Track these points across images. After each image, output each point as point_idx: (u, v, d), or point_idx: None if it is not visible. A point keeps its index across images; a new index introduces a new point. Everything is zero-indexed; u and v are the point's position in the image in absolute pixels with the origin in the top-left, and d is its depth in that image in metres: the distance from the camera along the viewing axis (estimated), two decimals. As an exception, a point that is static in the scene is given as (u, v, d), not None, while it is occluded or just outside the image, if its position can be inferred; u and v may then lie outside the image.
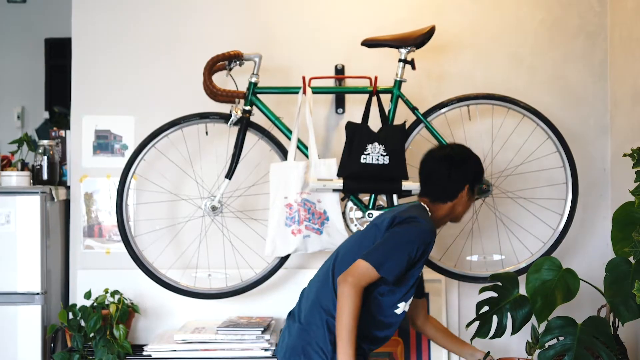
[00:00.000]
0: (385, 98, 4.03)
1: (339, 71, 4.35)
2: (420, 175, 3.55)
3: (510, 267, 4.09)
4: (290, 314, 3.41)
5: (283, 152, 4.03)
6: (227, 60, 3.94)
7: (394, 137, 3.89)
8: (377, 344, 3.33)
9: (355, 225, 3.99)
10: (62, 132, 4.49)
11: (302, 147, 4.00)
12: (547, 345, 3.33)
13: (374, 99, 4.04)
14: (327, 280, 3.28)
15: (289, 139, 4.00)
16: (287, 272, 4.27)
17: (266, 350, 3.91)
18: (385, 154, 3.86)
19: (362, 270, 3.12)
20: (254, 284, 4.09)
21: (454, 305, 4.33)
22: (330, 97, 4.37)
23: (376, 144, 3.87)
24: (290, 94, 4.09)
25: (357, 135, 3.90)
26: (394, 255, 3.15)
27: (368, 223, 3.52)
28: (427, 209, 3.42)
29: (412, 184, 3.89)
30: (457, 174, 3.45)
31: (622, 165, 4.11)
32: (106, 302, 4.11)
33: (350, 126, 3.96)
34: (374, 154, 3.86)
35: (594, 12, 4.43)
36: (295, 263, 4.29)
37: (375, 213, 3.93)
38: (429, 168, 3.52)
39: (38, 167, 4.34)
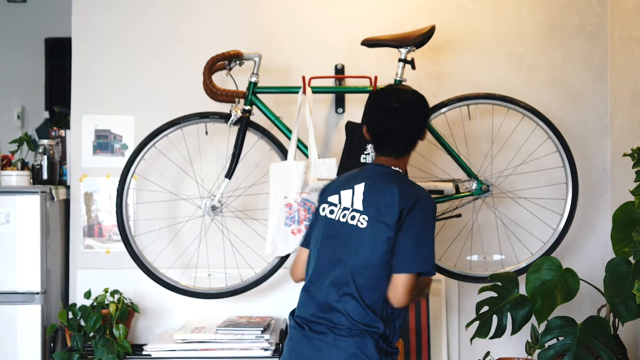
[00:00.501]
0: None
1: (339, 71, 4.35)
2: (374, 135, 3.24)
3: (510, 267, 4.09)
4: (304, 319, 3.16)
5: (283, 152, 4.03)
6: (227, 60, 3.95)
7: None
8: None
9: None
10: (62, 132, 4.49)
11: (302, 147, 4.00)
12: (547, 345, 3.34)
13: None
14: (347, 293, 3.06)
15: (289, 138, 4.00)
16: (286, 272, 4.24)
17: (266, 349, 3.91)
18: None
19: (409, 282, 3.02)
20: (253, 284, 4.09)
21: (453, 305, 4.33)
22: (330, 97, 4.37)
23: None
24: (290, 93, 4.09)
25: (357, 135, 3.88)
26: (432, 248, 3.08)
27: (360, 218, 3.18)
28: (391, 166, 3.20)
29: None
30: (420, 121, 3.24)
31: (622, 165, 4.11)
32: (106, 302, 4.11)
33: (350, 126, 3.95)
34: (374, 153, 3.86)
35: (594, 12, 4.43)
36: (291, 262, 4.28)
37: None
38: (384, 127, 3.20)
39: (38, 166, 4.34)
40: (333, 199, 3.19)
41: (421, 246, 3.04)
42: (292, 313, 3.22)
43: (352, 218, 3.11)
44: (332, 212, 3.18)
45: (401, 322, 3.11)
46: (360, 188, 3.14)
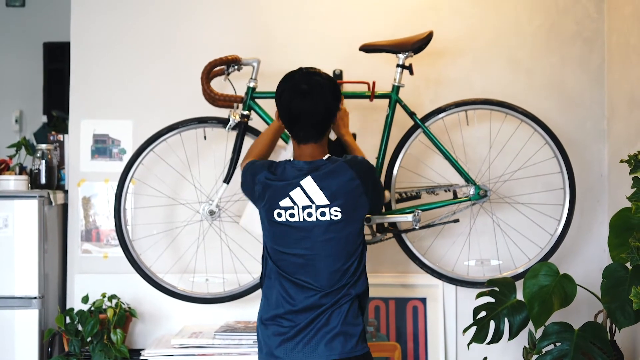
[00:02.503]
0: (384, 103, 4.03)
1: (337, 76, 4.36)
2: (289, 120, 3.26)
3: (508, 272, 4.10)
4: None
5: (281, 157, 4.03)
6: (225, 65, 3.95)
7: None
8: None
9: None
10: (60, 136, 4.50)
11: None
12: (544, 350, 3.34)
13: (372, 103, 4.06)
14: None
15: (287, 142, 4.00)
16: (284, 276, 4.27)
17: (263, 354, 3.91)
18: None
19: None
20: (251, 289, 4.09)
21: (451, 310, 4.33)
22: (328, 102, 4.37)
23: None
24: (288, 98, 4.09)
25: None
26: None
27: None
28: (319, 157, 3.25)
29: None
30: (330, 102, 3.25)
31: (619, 171, 4.11)
32: (103, 307, 4.12)
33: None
34: None
35: (591, 18, 4.44)
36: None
37: (373, 217, 3.92)
38: (298, 111, 3.22)
39: (36, 171, 4.34)
40: (285, 202, 3.18)
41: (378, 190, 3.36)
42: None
43: (322, 214, 3.15)
44: (293, 215, 3.18)
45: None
46: (310, 183, 3.16)
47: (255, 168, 3.31)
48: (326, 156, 3.26)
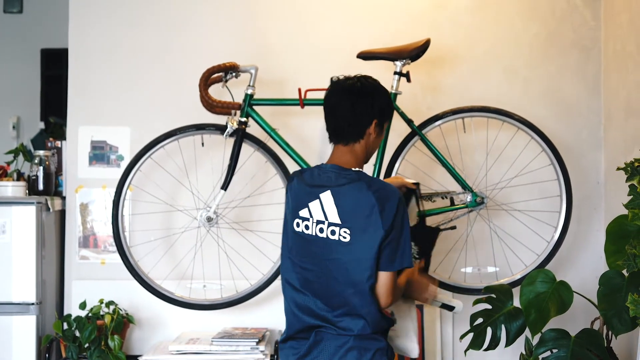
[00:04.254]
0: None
1: (335, 83, 4.36)
2: (325, 112, 3.25)
3: (505, 279, 4.11)
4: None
5: (279, 164, 4.04)
6: (223, 72, 3.96)
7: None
8: None
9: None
10: (58, 143, 4.50)
11: (300, 160, 4.01)
12: (540, 357, 3.34)
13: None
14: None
15: (285, 150, 4.02)
16: (280, 283, 4.26)
17: (261, 361, 3.93)
18: None
19: (392, 278, 3.04)
20: (249, 295, 4.09)
21: (447, 316, 4.34)
22: (326, 109, 4.38)
23: None
24: (286, 105, 4.11)
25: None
26: (409, 242, 3.06)
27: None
28: (350, 168, 3.12)
29: None
30: (363, 108, 3.15)
31: (615, 179, 4.13)
32: (101, 313, 4.12)
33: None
34: None
35: (588, 27, 4.46)
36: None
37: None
38: (334, 103, 3.21)
39: (34, 177, 4.35)
40: (304, 212, 3.11)
41: (402, 244, 3.02)
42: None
43: (332, 232, 3.05)
44: (307, 227, 3.11)
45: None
46: (328, 198, 3.06)
47: (290, 177, 3.27)
48: (356, 169, 3.13)
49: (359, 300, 3.01)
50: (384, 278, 3.02)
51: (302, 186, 3.13)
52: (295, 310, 3.11)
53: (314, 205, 3.08)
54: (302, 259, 3.11)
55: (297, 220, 3.12)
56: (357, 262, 3.00)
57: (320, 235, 3.06)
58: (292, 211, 3.14)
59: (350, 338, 3.01)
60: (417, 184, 3.41)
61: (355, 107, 3.13)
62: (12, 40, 7.13)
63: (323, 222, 3.06)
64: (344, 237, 3.01)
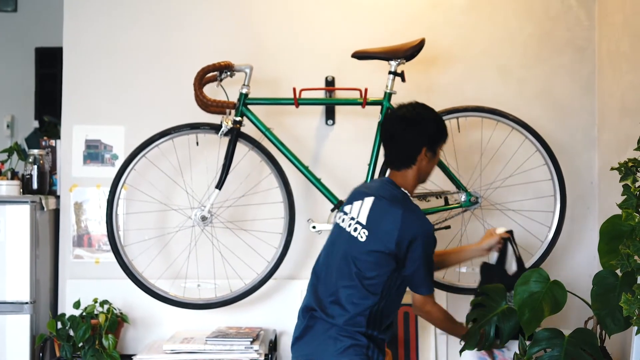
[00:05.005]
0: (376, 110, 4.05)
1: (330, 83, 4.37)
2: (382, 139, 3.54)
3: (499, 278, 4.11)
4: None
5: (273, 163, 4.04)
6: (218, 71, 3.96)
7: None
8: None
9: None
10: (52, 142, 4.50)
11: (293, 159, 4.01)
12: (534, 357, 3.35)
13: (364, 110, 4.08)
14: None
15: (280, 149, 4.02)
16: (276, 283, 4.27)
17: (255, 360, 3.93)
18: None
19: (424, 298, 3.43)
20: (243, 295, 4.09)
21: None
22: (321, 109, 4.39)
23: None
24: (281, 105, 4.11)
25: (492, 274, 3.81)
26: (427, 271, 3.38)
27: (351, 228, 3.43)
28: (401, 188, 3.44)
29: None
30: (412, 136, 3.42)
31: (609, 179, 4.13)
32: (95, 312, 4.11)
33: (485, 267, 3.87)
34: None
35: (582, 27, 4.46)
36: (285, 274, 4.30)
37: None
38: (386, 129, 3.49)
39: (28, 176, 4.34)
40: (347, 208, 3.46)
41: (417, 273, 3.34)
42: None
43: (355, 230, 3.36)
44: (343, 220, 3.45)
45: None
46: (368, 202, 3.38)
47: None
48: (405, 190, 3.44)
49: (351, 293, 3.31)
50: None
51: (359, 188, 3.52)
52: (309, 286, 3.47)
53: (357, 204, 3.42)
54: (328, 245, 3.49)
55: (340, 213, 3.48)
56: (366, 268, 3.31)
57: (347, 229, 3.40)
58: (342, 207, 3.50)
59: (333, 326, 3.31)
60: (510, 232, 3.69)
61: (405, 134, 3.42)
62: (6, 39, 7.11)
63: (353, 219, 3.39)
64: (361, 237, 3.33)
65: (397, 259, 3.30)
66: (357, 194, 3.47)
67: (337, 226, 3.49)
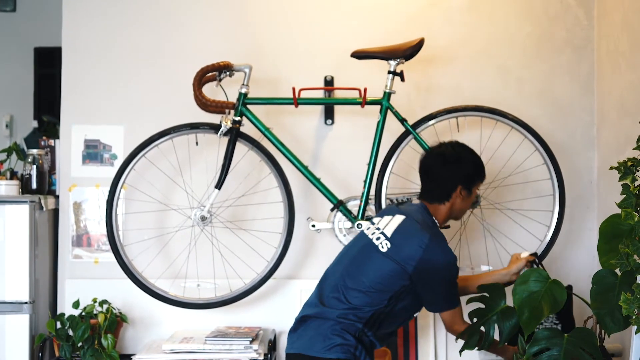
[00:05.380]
0: (375, 109, 4.05)
1: (329, 82, 4.37)
2: (420, 172, 3.64)
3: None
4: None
5: (273, 163, 4.04)
6: (217, 71, 3.96)
7: None
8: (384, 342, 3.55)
9: (345, 235, 4.04)
10: (52, 142, 4.49)
11: (293, 159, 4.01)
12: (533, 356, 3.34)
13: (363, 110, 4.08)
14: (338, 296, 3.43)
15: (279, 149, 4.02)
16: (275, 282, 4.27)
17: (254, 360, 3.93)
18: None
19: (451, 317, 3.50)
20: (243, 294, 4.09)
21: (441, 321, 4.33)
22: (320, 108, 4.39)
23: None
24: (280, 104, 4.11)
25: None
26: (455, 288, 3.47)
27: (365, 236, 3.52)
28: (432, 217, 3.53)
29: None
30: (449, 174, 3.53)
31: (608, 178, 4.14)
32: (94, 312, 4.11)
33: None
34: None
35: (581, 26, 4.47)
36: (285, 274, 4.30)
37: (364, 224, 3.94)
38: (425, 165, 3.61)
39: (27, 176, 4.34)
40: (376, 220, 3.55)
41: (437, 298, 3.45)
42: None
43: (378, 238, 3.43)
44: (369, 228, 3.53)
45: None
46: (398, 219, 3.46)
47: None
48: (435, 220, 3.53)
49: (357, 296, 3.36)
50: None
51: (393, 206, 3.63)
52: (317, 285, 3.54)
53: (387, 218, 3.51)
54: (346, 248, 3.59)
55: (368, 223, 3.56)
56: (377, 274, 3.37)
57: (370, 236, 3.47)
58: (371, 218, 3.62)
59: (326, 321, 3.37)
60: (534, 254, 3.75)
61: (442, 171, 3.54)
62: (5, 39, 7.11)
63: (379, 229, 3.47)
64: (382, 247, 3.39)
65: (411, 280, 3.36)
66: (390, 210, 3.56)
67: (361, 233, 3.56)
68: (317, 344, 3.34)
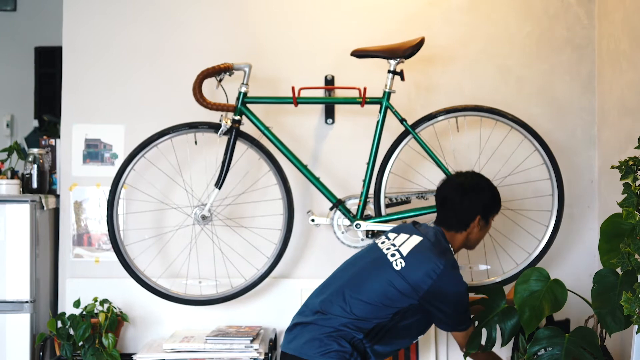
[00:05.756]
0: (375, 109, 4.05)
1: (329, 82, 4.37)
2: (436, 201, 3.69)
3: (497, 276, 4.11)
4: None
5: (272, 162, 4.04)
6: (217, 74, 3.94)
7: None
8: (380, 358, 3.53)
9: (343, 232, 4.04)
10: (52, 141, 4.50)
11: (293, 159, 4.01)
12: (535, 356, 3.35)
13: (363, 109, 4.08)
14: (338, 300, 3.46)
15: (278, 148, 4.02)
16: (274, 281, 4.27)
17: (255, 359, 3.91)
18: None
19: (463, 338, 3.58)
20: (243, 290, 4.10)
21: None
22: (320, 108, 4.39)
23: None
24: (280, 104, 4.12)
25: None
26: (466, 311, 3.51)
27: (375, 248, 3.57)
28: (449, 243, 3.58)
29: None
30: (468, 204, 3.58)
31: (609, 177, 4.14)
32: (95, 311, 4.11)
33: None
34: None
35: (582, 25, 4.46)
36: (285, 273, 4.31)
37: (363, 223, 3.96)
38: (443, 194, 3.66)
39: (28, 175, 4.34)
40: (391, 235, 3.58)
41: (448, 322, 3.49)
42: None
43: (392, 255, 3.45)
44: (383, 242, 3.56)
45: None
46: (415, 240, 3.48)
47: None
48: (450, 246, 3.57)
49: (362, 307, 3.38)
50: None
51: (410, 224, 3.60)
52: (318, 287, 3.58)
53: (403, 236, 3.53)
54: (356, 256, 3.63)
55: (382, 237, 3.62)
56: (383, 291, 3.39)
57: (384, 250, 3.49)
58: (386, 232, 3.66)
59: (322, 328, 3.39)
60: None
61: (461, 202, 3.58)
62: (5, 39, 7.11)
63: (394, 246, 3.49)
64: (396, 265, 3.41)
65: (420, 302, 3.38)
66: (407, 228, 3.58)
67: (374, 245, 3.59)
68: (313, 349, 3.37)
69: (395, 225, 3.86)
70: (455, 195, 3.59)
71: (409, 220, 3.77)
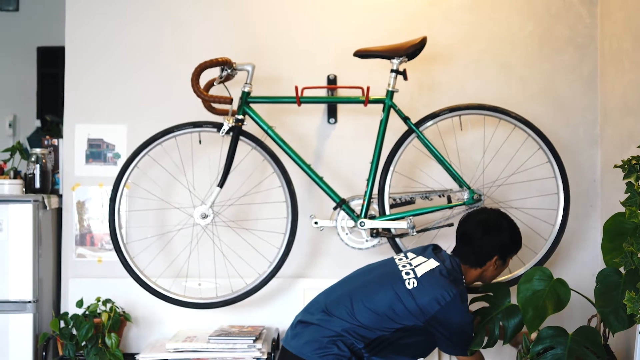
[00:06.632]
0: (378, 108, 4.05)
1: (331, 81, 4.37)
2: (456, 234, 3.71)
3: (503, 277, 4.10)
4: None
5: (276, 162, 4.03)
6: (219, 67, 3.91)
7: None
8: None
9: (347, 234, 4.03)
10: (55, 141, 4.50)
11: (297, 159, 4.01)
12: (538, 355, 3.34)
13: (366, 108, 4.08)
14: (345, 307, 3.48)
15: (282, 148, 4.02)
16: (278, 282, 4.26)
17: (258, 359, 3.91)
18: None
19: None
20: (244, 295, 4.06)
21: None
22: (323, 107, 4.39)
23: None
24: (283, 103, 4.11)
25: None
26: (470, 338, 3.54)
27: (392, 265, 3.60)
28: (463, 275, 3.60)
29: None
30: (487, 243, 3.60)
31: (612, 176, 4.13)
32: (98, 311, 4.11)
33: None
34: None
35: (584, 24, 4.46)
36: (288, 273, 4.30)
37: (367, 222, 3.95)
38: (464, 229, 3.68)
39: (30, 175, 4.34)
40: (410, 255, 3.61)
41: (450, 349, 3.54)
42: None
43: (407, 274, 3.48)
44: (401, 259, 3.59)
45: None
46: (432, 264, 3.51)
47: None
48: (463, 278, 3.59)
49: (367, 316, 3.41)
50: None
51: (431, 249, 3.62)
52: (325, 290, 3.62)
53: (421, 258, 3.56)
54: (370, 266, 3.67)
55: (401, 254, 3.67)
56: (390, 306, 3.41)
57: (400, 267, 3.52)
58: (406, 251, 3.69)
59: (323, 330, 3.42)
60: None
61: (481, 240, 3.61)
62: (8, 39, 7.12)
63: (410, 265, 3.53)
64: (409, 284, 3.44)
65: (425, 323, 3.41)
66: (426, 252, 3.60)
67: (391, 260, 3.63)
68: (312, 350, 3.40)
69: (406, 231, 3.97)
70: (475, 232, 3.62)
71: (430, 238, 3.90)
